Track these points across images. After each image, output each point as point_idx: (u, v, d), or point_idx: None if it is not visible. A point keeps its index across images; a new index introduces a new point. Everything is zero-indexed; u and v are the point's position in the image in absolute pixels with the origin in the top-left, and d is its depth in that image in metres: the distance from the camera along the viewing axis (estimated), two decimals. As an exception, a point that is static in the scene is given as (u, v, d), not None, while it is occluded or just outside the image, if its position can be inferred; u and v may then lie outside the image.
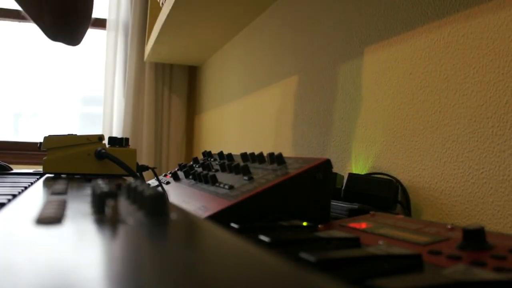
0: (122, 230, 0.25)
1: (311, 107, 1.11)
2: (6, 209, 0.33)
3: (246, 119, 1.56)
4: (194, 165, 0.80)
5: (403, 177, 0.77)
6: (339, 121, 0.98)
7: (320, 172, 0.52)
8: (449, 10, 0.71)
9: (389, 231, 0.41)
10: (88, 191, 0.46)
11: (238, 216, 0.48)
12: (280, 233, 0.42)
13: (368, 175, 0.81)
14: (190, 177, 0.72)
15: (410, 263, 0.31)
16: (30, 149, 2.25)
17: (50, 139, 0.74)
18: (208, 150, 0.87)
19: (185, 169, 0.75)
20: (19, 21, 2.32)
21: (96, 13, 2.43)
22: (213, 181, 0.61)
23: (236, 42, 1.70)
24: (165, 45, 1.87)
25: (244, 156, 0.67)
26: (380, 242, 0.37)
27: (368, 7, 0.90)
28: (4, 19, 2.32)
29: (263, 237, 0.34)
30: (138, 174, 0.76)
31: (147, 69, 2.26)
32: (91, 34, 2.46)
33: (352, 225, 0.46)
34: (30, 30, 2.34)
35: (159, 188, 0.34)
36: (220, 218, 0.47)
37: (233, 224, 0.41)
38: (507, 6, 0.61)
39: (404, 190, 0.75)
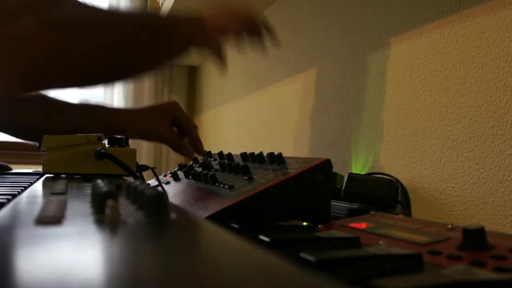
0: (122, 230, 0.25)
1: (311, 106, 1.11)
2: (6, 209, 0.32)
3: (246, 119, 1.56)
4: (194, 165, 0.80)
5: (403, 177, 0.77)
6: (339, 121, 0.98)
7: (320, 172, 0.52)
8: (449, 10, 0.71)
9: (389, 231, 0.41)
10: (88, 191, 0.46)
11: (238, 216, 0.48)
12: (280, 233, 0.42)
13: (368, 175, 0.81)
14: (190, 177, 0.72)
15: (410, 263, 0.31)
16: (30, 149, 2.25)
17: (49, 139, 0.74)
18: (208, 150, 0.87)
19: (185, 169, 0.75)
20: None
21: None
22: (213, 181, 0.61)
23: (236, 42, 1.70)
24: (165, 45, 1.87)
25: (244, 156, 0.67)
26: (380, 242, 0.37)
27: (367, 7, 0.90)
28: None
29: (263, 237, 0.34)
30: (138, 174, 0.76)
31: (147, 69, 2.25)
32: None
33: (352, 225, 0.46)
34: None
35: (159, 188, 0.34)
36: (220, 218, 0.47)
37: (233, 224, 0.41)
38: (507, 6, 0.61)
39: (404, 190, 0.75)
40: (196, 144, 0.81)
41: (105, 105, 0.92)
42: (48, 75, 0.50)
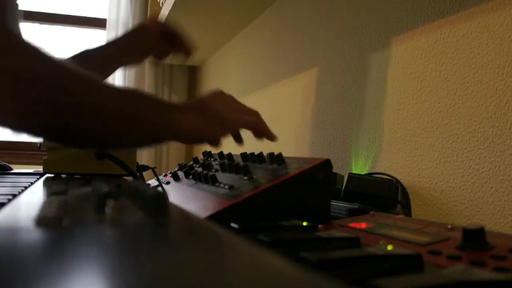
0: (122, 230, 0.25)
1: (311, 107, 1.11)
2: (6, 209, 0.33)
3: (246, 119, 1.56)
4: (194, 165, 0.80)
5: (403, 177, 0.77)
6: (339, 121, 0.98)
7: (320, 172, 0.52)
8: (449, 10, 0.71)
9: (389, 231, 0.41)
10: (88, 191, 0.46)
11: (238, 216, 0.48)
12: (280, 233, 0.42)
13: (368, 175, 0.81)
14: (190, 177, 0.72)
15: (410, 263, 0.31)
16: (30, 149, 2.25)
17: (50, 139, 0.74)
18: (208, 150, 0.87)
19: (185, 169, 0.75)
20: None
21: (96, 13, 2.43)
22: (213, 181, 0.61)
23: (236, 42, 1.70)
24: (165, 45, 1.87)
25: (244, 156, 0.67)
26: (380, 242, 0.37)
27: (367, 8, 0.90)
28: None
29: (263, 237, 0.34)
30: (138, 174, 0.76)
31: (147, 69, 2.26)
32: (91, 34, 2.47)
33: (352, 225, 0.46)
34: (31, 30, 2.34)
35: (159, 188, 0.34)
36: (220, 218, 0.47)
37: (233, 224, 0.41)
38: (507, 6, 0.61)
39: (404, 190, 0.75)
40: (188, 42, 0.88)
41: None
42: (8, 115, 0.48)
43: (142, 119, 0.53)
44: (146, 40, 0.89)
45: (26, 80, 0.46)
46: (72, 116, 0.49)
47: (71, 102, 0.49)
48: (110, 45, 0.90)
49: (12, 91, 0.45)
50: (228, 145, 0.67)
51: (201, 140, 0.59)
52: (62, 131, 0.50)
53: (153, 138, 0.57)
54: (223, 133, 0.60)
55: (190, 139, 0.58)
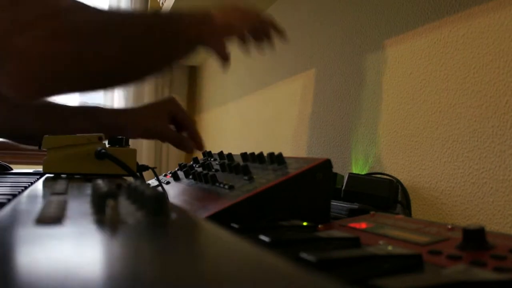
0: (122, 230, 0.25)
1: (311, 106, 1.11)
2: (6, 209, 0.33)
3: (246, 119, 1.56)
4: (194, 165, 0.80)
5: (403, 177, 0.77)
6: (339, 121, 0.98)
7: (320, 172, 0.52)
8: (449, 10, 0.71)
9: (389, 231, 0.41)
10: (88, 191, 0.46)
11: (238, 216, 0.48)
12: (280, 233, 0.42)
13: (368, 175, 0.81)
14: (190, 177, 0.72)
15: (410, 263, 0.31)
16: (30, 149, 2.25)
17: (50, 139, 0.74)
18: (208, 150, 0.87)
19: (185, 169, 0.75)
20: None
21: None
22: (213, 181, 0.61)
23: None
24: (165, 45, 1.87)
25: (244, 156, 0.67)
26: (380, 242, 0.37)
27: (367, 7, 0.90)
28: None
29: (263, 237, 0.34)
30: (138, 174, 0.76)
31: (147, 69, 2.26)
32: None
33: (352, 225, 0.46)
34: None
35: (159, 188, 0.34)
36: (220, 218, 0.47)
37: (233, 224, 0.41)
38: (507, 6, 0.61)
39: (404, 190, 0.75)
40: (196, 138, 0.81)
41: (103, 106, 0.92)
42: (61, 82, 0.51)
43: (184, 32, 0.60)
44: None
45: (104, 27, 0.53)
46: (135, 46, 0.56)
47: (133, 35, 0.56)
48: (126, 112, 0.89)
49: (97, 36, 0.52)
50: (229, 145, 0.67)
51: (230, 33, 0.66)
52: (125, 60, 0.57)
53: (189, 45, 0.64)
54: (244, 24, 0.67)
55: (219, 36, 0.66)
